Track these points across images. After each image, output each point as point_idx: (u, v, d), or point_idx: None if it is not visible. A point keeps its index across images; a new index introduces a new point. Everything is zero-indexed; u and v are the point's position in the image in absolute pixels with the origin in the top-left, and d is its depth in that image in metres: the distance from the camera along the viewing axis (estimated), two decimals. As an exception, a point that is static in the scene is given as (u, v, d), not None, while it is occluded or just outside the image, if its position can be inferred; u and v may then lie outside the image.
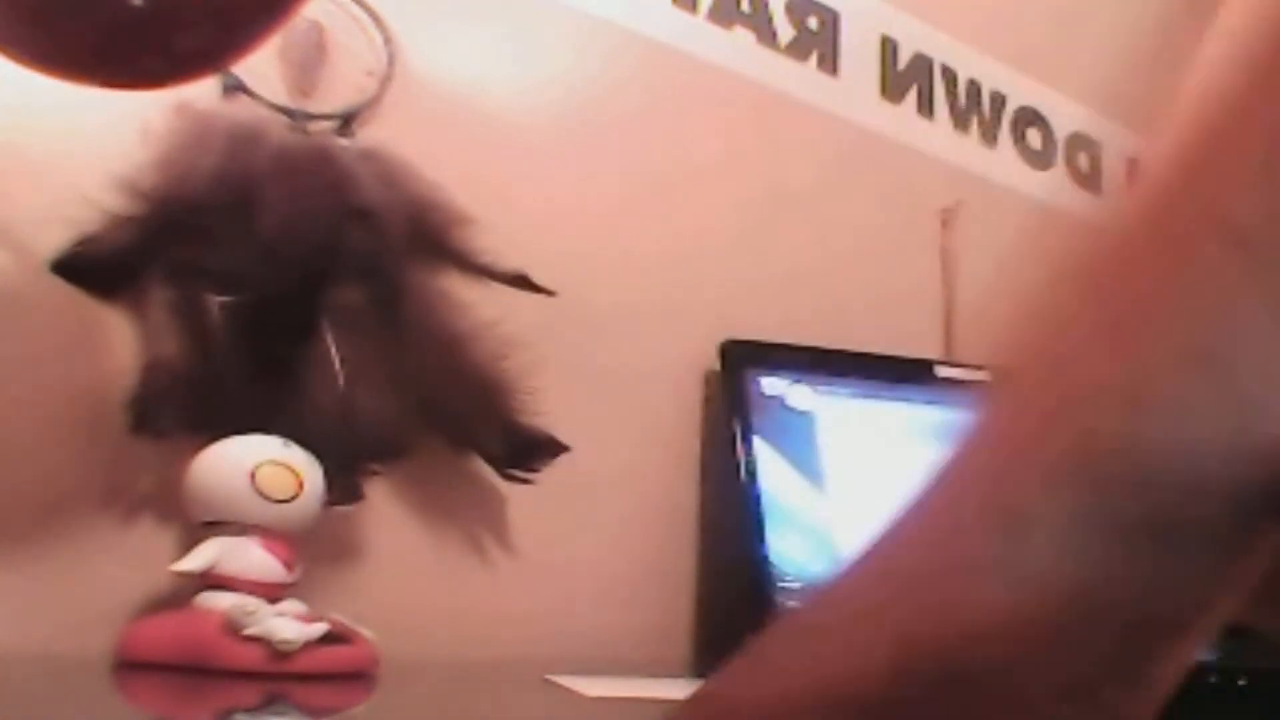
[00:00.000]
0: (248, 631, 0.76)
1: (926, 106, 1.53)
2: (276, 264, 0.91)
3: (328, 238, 0.94)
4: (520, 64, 1.17)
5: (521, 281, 1.04)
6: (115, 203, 0.87)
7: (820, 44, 1.42)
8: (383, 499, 1.00)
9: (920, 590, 0.25)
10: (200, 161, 0.90)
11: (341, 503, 0.93)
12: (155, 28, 0.68)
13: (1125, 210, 0.25)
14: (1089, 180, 1.75)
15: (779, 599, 1.09)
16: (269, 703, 0.71)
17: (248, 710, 0.70)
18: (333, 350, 0.94)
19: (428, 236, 1.00)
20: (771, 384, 1.20)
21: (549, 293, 1.05)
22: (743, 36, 1.34)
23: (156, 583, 0.85)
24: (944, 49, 1.56)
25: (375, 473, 0.97)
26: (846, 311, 1.35)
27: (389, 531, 1.01)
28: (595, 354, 1.15)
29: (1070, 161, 1.72)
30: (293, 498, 0.84)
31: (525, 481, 1.03)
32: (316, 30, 1.01)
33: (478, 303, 1.02)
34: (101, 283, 0.88)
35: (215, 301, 0.89)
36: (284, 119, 0.98)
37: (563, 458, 1.03)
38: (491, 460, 1.03)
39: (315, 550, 0.90)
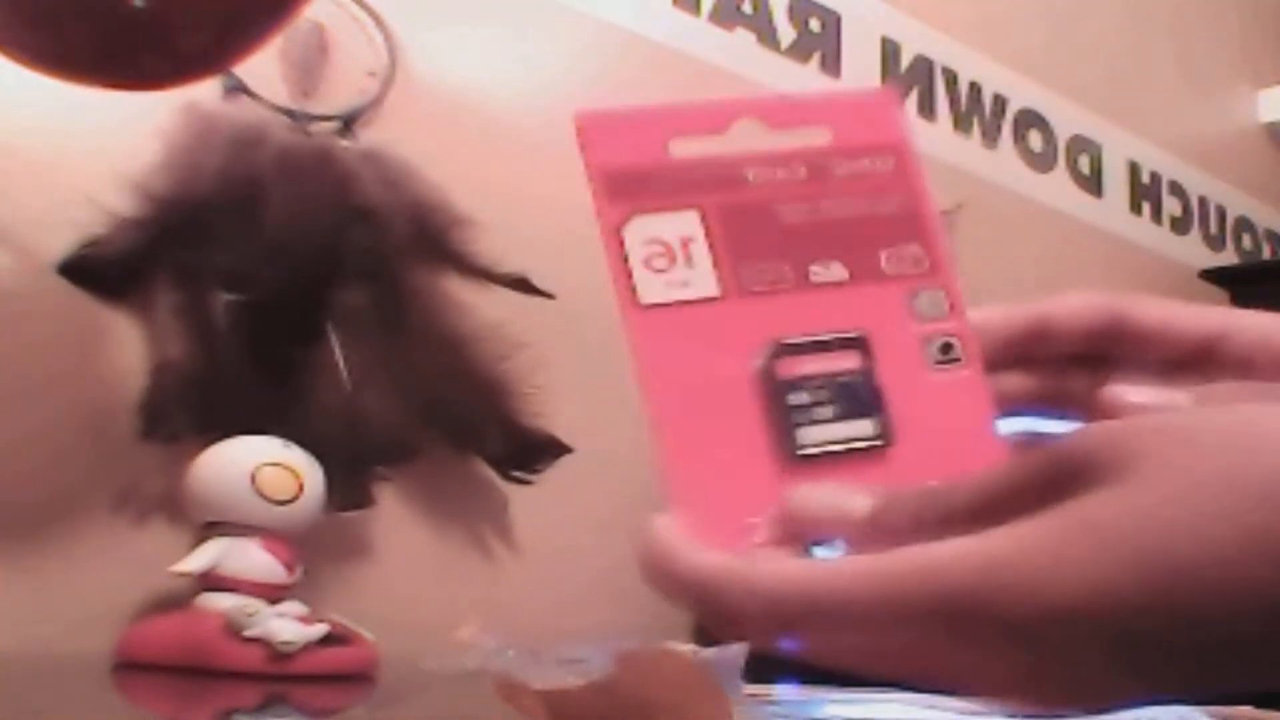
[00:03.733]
0: (248, 633, 0.76)
1: (928, 108, 1.53)
2: (280, 265, 0.91)
3: (330, 239, 0.94)
4: (522, 65, 1.17)
5: (522, 284, 1.04)
6: (120, 204, 0.87)
7: (822, 45, 1.42)
8: (383, 500, 1.00)
9: None
10: (203, 163, 0.90)
11: (350, 508, 0.93)
12: (156, 29, 0.68)
13: None
14: (1089, 182, 1.75)
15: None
16: (269, 704, 0.71)
17: (248, 711, 0.70)
18: (338, 352, 0.94)
19: (429, 238, 1.00)
20: (772, 386, 1.20)
21: (548, 295, 1.05)
22: (744, 38, 1.34)
23: (157, 583, 0.85)
24: (945, 51, 1.56)
25: (385, 478, 0.97)
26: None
27: (389, 533, 1.01)
28: (595, 356, 1.14)
29: (1071, 163, 1.72)
30: (293, 499, 0.84)
31: (526, 483, 1.03)
32: (318, 31, 1.01)
33: (480, 304, 1.02)
34: (108, 285, 0.88)
35: (220, 302, 0.89)
36: (285, 120, 0.98)
37: (563, 459, 1.03)
38: (494, 462, 1.03)
39: (316, 551, 0.90)
